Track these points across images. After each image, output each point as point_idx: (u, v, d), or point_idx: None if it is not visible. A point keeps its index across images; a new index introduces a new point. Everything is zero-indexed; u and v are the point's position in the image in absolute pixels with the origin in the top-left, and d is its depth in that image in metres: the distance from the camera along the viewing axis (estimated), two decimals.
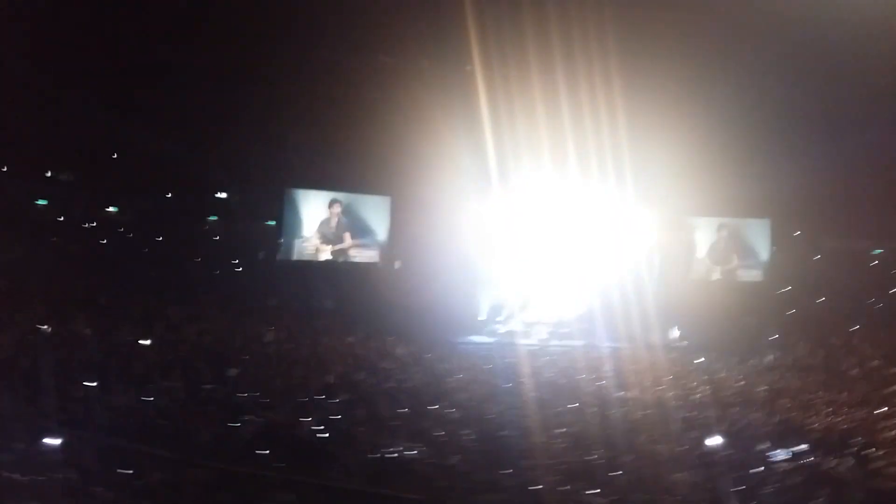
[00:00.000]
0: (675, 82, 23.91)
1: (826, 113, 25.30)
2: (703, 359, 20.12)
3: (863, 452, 11.36)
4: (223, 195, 30.19)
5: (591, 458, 10.55)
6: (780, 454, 11.36)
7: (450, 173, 23.00)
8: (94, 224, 28.43)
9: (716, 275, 27.04)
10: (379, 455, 9.66)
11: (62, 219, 28.00)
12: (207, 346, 15.54)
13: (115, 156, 27.86)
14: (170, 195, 29.06)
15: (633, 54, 22.81)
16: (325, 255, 25.40)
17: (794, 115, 25.55)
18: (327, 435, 10.31)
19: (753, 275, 27.32)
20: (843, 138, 25.77)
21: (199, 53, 23.88)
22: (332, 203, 25.45)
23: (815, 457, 11.32)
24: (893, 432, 13.20)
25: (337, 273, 25.29)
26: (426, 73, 24.44)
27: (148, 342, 14.74)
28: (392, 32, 23.48)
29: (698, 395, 15.27)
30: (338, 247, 25.48)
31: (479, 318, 23.81)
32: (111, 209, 29.34)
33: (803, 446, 11.81)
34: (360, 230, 25.67)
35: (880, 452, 11.56)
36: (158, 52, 23.73)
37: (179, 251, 26.40)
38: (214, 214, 30.30)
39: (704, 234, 27.20)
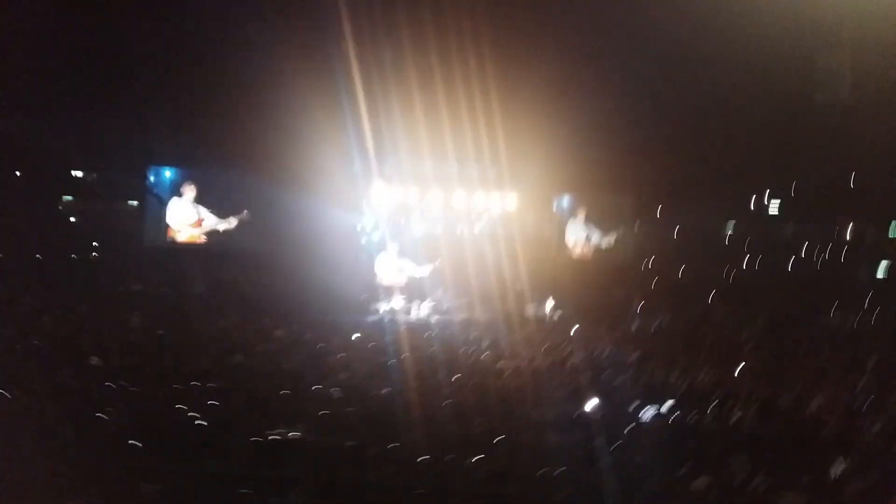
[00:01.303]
0: (540, 63, 24.61)
1: (685, 91, 26.81)
2: (575, 328, 20.94)
3: (722, 406, 12.26)
4: (79, 173, 28.17)
5: (475, 427, 10.77)
6: (649, 412, 12.06)
7: (318, 151, 22.63)
8: None
9: (585, 250, 28.18)
10: (260, 438, 9.37)
11: None
12: (66, 336, 14.46)
13: None
14: (18, 173, 26.70)
15: (500, 40, 23.34)
16: (188, 231, 24.24)
17: (655, 93, 27.01)
18: (204, 422, 9.86)
19: (620, 249, 28.68)
20: (702, 118, 27.52)
21: (53, 18, 22.09)
22: (195, 181, 24.36)
23: (680, 412, 12.11)
24: (746, 388, 14.34)
25: (208, 256, 24.29)
26: (289, 44, 23.75)
27: None
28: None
29: (571, 362, 15.90)
30: (205, 229, 24.42)
31: (359, 298, 23.60)
32: None
33: (669, 403, 12.61)
34: (226, 210, 24.63)
35: (737, 405, 12.52)
36: (10, 25, 21.72)
37: (31, 234, 24.36)
38: (70, 194, 28.23)
39: (572, 211, 28.27)
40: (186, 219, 24.32)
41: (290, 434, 9.65)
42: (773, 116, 27.33)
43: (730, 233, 34.62)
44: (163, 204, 24.33)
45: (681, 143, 28.21)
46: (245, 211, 24.23)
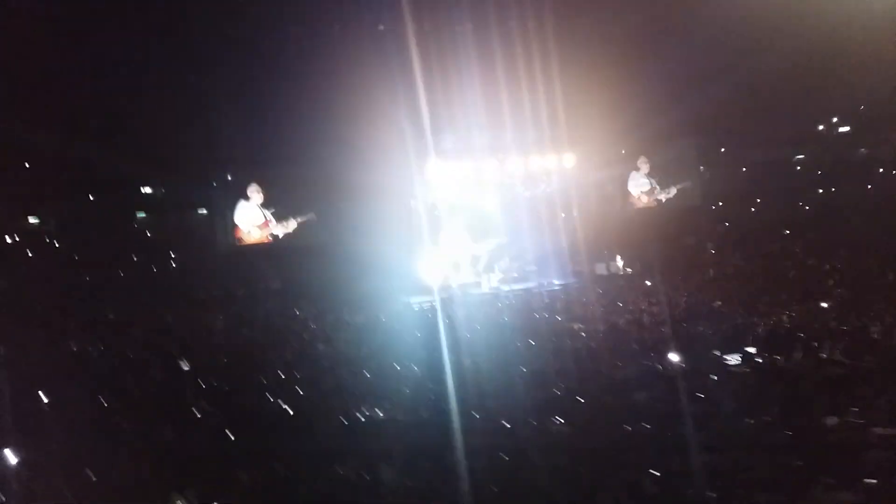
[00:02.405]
0: (588, 24, 24.10)
1: (727, 33, 25.82)
2: (648, 283, 20.67)
3: (809, 345, 11.91)
4: (148, 190, 29.21)
5: (554, 391, 10.81)
6: (733, 359, 11.85)
7: (373, 138, 22.71)
8: (16, 237, 27.16)
9: (650, 201, 27.67)
10: (346, 420, 9.67)
11: None
12: (156, 344, 15.15)
13: (26, 163, 26.49)
14: (91, 197, 27.88)
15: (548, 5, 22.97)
16: (257, 232, 24.84)
17: (700, 39, 26.07)
18: (291, 411, 10.23)
19: (685, 196, 28.03)
20: (746, 56, 26.46)
21: (102, 45, 22.82)
22: (252, 185, 24.83)
23: (765, 356, 11.84)
24: (834, 323, 13.89)
25: (278, 254, 24.85)
26: (337, 38, 23.92)
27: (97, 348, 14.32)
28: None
29: (648, 317, 15.73)
30: (275, 228, 24.97)
31: (429, 276, 23.84)
32: (32, 220, 28.04)
33: (752, 349, 12.34)
34: (294, 208, 25.10)
35: (826, 342, 12.14)
36: (56, 46, 22.51)
37: (111, 253, 25.49)
38: (142, 210, 29.33)
39: (634, 163, 27.73)
40: (253, 220, 24.87)
41: (375, 413, 9.91)
42: (834, 41, 26.00)
43: (798, 166, 33.40)
44: (232, 209, 24.92)
45: (739, 78, 27.22)
46: (311, 213, 24.77)
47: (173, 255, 27.05)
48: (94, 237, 26.39)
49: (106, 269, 24.10)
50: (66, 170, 25.18)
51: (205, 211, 27.67)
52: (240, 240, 24.78)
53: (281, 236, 25.02)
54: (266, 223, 24.89)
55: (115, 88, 23.88)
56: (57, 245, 27.10)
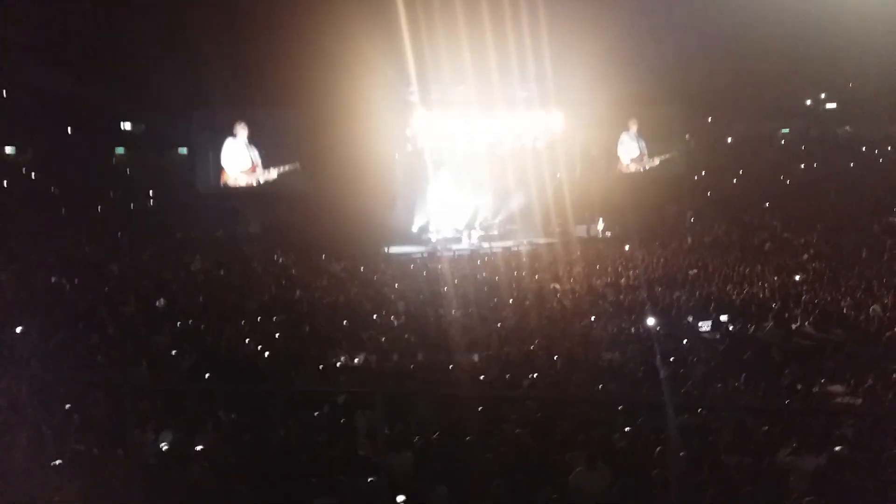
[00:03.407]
0: None
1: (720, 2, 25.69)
2: (627, 247, 20.82)
3: (781, 315, 12.13)
4: (128, 126, 28.67)
5: (529, 347, 10.96)
6: (706, 325, 12.06)
7: (364, 84, 22.35)
8: None
9: (634, 166, 27.65)
10: (323, 366, 9.72)
11: None
12: (132, 282, 15.05)
13: (4, 94, 25.85)
14: (71, 130, 27.30)
15: None
16: (243, 178, 24.34)
17: (696, 9, 25.90)
18: (268, 353, 10.26)
19: (669, 163, 28.04)
20: (739, 28, 26.37)
21: None
22: (243, 123, 23.91)
23: (737, 324, 12.07)
24: (806, 297, 14.13)
25: (260, 197, 24.49)
26: None
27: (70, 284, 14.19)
28: None
29: (624, 280, 15.91)
30: (257, 170, 24.52)
31: (411, 229, 23.82)
32: (8, 150, 27.47)
33: (725, 316, 12.56)
34: (277, 150, 24.44)
35: (796, 313, 12.39)
36: None
37: (89, 188, 25.07)
38: (121, 147, 28.81)
39: (620, 128, 27.60)
40: (241, 164, 24.13)
41: (354, 359, 9.98)
42: (825, 17, 25.93)
43: (783, 140, 33.60)
44: (214, 148, 24.20)
45: (730, 49, 27.18)
46: (296, 163, 24.11)
47: (151, 194, 26.70)
48: (71, 171, 25.89)
49: (82, 204, 23.73)
50: (47, 102, 24.60)
51: (185, 150, 27.16)
52: (224, 182, 24.18)
53: (262, 182, 24.47)
54: (253, 168, 24.25)
55: (102, 22, 23.22)
56: (33, 176, 26.63)
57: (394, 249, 21.65)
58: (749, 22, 26.27)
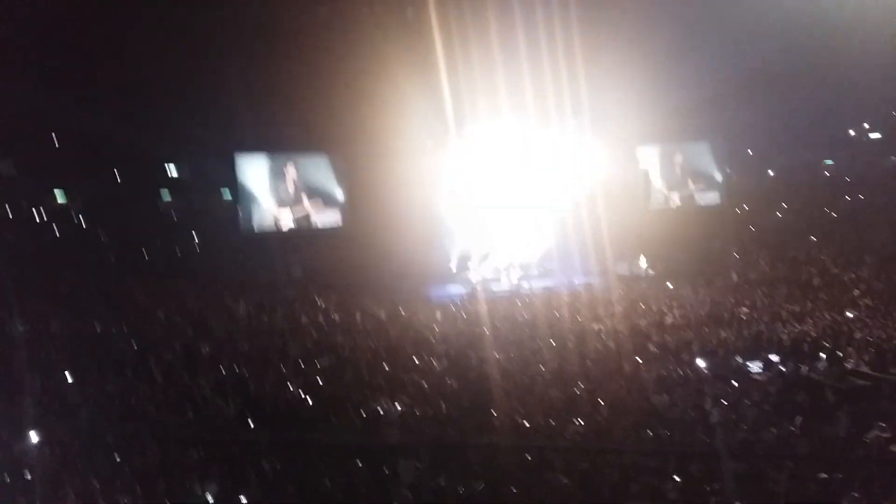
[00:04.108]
0: (623, 19, 23.84)
1: (763, 35, 25.49)
2: (671, 285, 20.50)
3: (834, 355, 11.76)
4: (174, 170, 29.35)
5: (573, 391, 10.76)
6: (756, 366, 11.73)
7: (402, 124, 22.64)
8: (43, 212, 27.40)
9: (675, 202, 27.40)
10: (365, 412, 9.67)
11: (6, 211, 26.89)
12: (179, 327, 15.27)
13: (56, 142, 26.74)
14: (119, 176, 28.02)
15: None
16: (287, 221, 24.86)
17: (734, 40, 25.75)
18: (310, 400, 10.26)
19: (711, 198, 27.73)
20: (778, 58, 26.11)
21: (130, 23, 22.90)
22: (286, 165, 24.67)
23: (789, 364, 11.71)
24: (859, 334, 13.69)
25: (302, 239, 24.85)
26: (366, 21, 23.81)
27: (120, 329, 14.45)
28: None
29: (670, 320, 15.61)
30: (298, 211, 24.99)
31: (450, 269, 23.81)
32: (59, 196, 28.30)
33: (776, 356, 12.21)
34: (317, 192, 25.10)
35: (850, 352, 11.99)
36: (88, 22, 22.61)
37: (136, 233, 25.66)
38: (168, 191, 29.48)
39: (659, 162, 27.45)
40: (287, 205, 24.71)
41: (393, 406, 9.91)
42: (869, 46, 25.55)
43: (827, 172, 32.96)
44: (257, 190, 24.85)
45: (771, 80, 26.90)
46: (319, 199, 24.78)
47: (195, 236, 27.12)
48: (118, 215, 26.55)
49: (130, 249, 24.28)
50: (94, 148, 25.37)
51: (228, 193, 27.70)
52: (273, 223, 24.65)
53: (309, 224, 24.97)
54: (301, 205, 24.80)
55: (149, 66, 23.93)
56: (82, 222, 27.33)
57: (436, 290, 21.62)
58: (788, 52, 26.02)
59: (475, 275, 23.57)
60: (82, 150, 25.59)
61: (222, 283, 21.34)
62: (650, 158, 27.53)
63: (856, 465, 7.15)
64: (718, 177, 28.00)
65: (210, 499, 6.53)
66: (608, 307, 17.16)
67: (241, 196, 25.21)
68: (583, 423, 9.27)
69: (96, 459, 6.89)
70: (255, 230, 24.69)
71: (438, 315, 17.15)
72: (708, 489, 6.71)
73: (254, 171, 24.84)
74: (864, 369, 11.37)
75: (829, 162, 34.01)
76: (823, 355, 11.93)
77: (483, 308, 17.64)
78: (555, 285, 21.99)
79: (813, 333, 13.74)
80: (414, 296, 19.78)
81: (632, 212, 26.04)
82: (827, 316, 15.39)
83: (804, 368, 11.44)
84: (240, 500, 6.59)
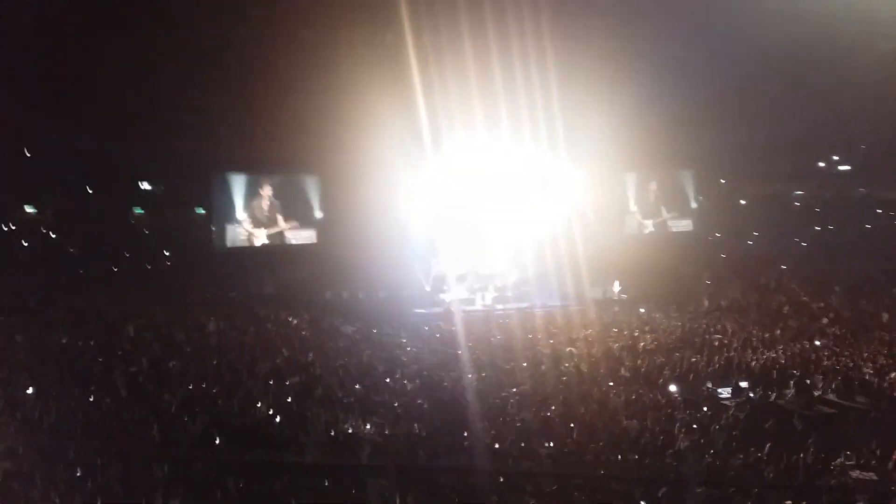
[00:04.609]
0: (599, 46, 24.15)
1: (735, 65, 26.00)
2: (643, 309, 20.65)
3: (802, 382, 11.92)
4: (147, 186, 29.11)
5: (546, 413, 10.76)
6: (725, 392, 11.83)
7: (379, 145, 22.66)
8: (13, 227, 26.99)
9: (648, 228, 27.69)
10: (334, 432, 9.57)
11: None
12: (147, 343, 15.04)
13: (27, 153, 26.37)
14: (91, 190, 27.71)
15: (559, 18, 22.95)
16: (261, 239, 24.73)
17: (707, 70, 26.23)
18: (279, 418, 10.13)
19: (684, 225, 28.06)
20: (753, 90, 26.66)
21: (107, 37, 22.73)
22: (262, 185, 24.65)
23: (757, 391, 11.84)
24: (827, 362, 13.89)
25: (275, 257, 24.70)
26: (345, 45, 23.88)
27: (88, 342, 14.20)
28: (307, 4, 22.92)
29: (642, 344, 15.70)
30: (273, 230, 24.88)
31: (425, 289, 23.77)
32: (29, 210, 27.91)
33: (745, 383, 12.33)
34: (293, 211, 25.05)
35: (818, 380, 12.15)
36: (63, 36, 22.40)
37: (107, 248, 25.33)
38: (140, 206, 29.20)
39: (634, 189, 27.76)
40: (262, 224, 24.65)
41: (365, 426, 9.82)
42: (836, 78, 26.18)
43: (797, 202, 33.60)
44: (232, 209, 24.68)
45: (742, 110, 27.40)
46: (294, 221, 24.80)
47: (167, 253, 26.86)
48: (89, 230, 26.22)
49: (98, 264, 23.95)
50: (67, 161, 25.08)
51: (202, 210, 27.53)
52: (247, 240, 24.54)
53: (283, 241, 24.92)
54: (276, 223, 24.77)
55: (123, 81, 23.76)
56: (53, 236, 26.96)
57: (410, 310, 21.56)
58: (760, 83, 26.56)
59: (449, 295, 23.54)
60: (54, 165, 25.29)
61: (192, 298, 21.12)
62: (625, 185, 27.84)
63: (821, 491, 7.21)
64: (692, 204, 28.39)
65: None
66: (581, 330, 17.24)
67: (215, 213, 25.08)
68: (554, 446, 9.27)
69: (57, 475, 6.73)
70: (229, 247, 24.49)
71: (411, 335, 17.09)
72: None
73: (229, 189, 24.73)
74: (831, 397, 11.53)
75: (800, 192, 34.67)
76: (792, 382, 12.09)
77: (457, 328, 17.62)
78: (529, 307, 22.06)
79: (782, 361, 13.90)
80: (387, 315, 19.70)
81: (606, 237, 26.24)
82: (796, 344, 15.58)
83: (773, 395, 11.58)
84: None
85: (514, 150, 24.48)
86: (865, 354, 14.30)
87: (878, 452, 8.84)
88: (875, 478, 8.10)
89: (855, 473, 8.36)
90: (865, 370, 13.15)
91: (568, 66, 23.29)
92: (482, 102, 23.10)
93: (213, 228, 24.89)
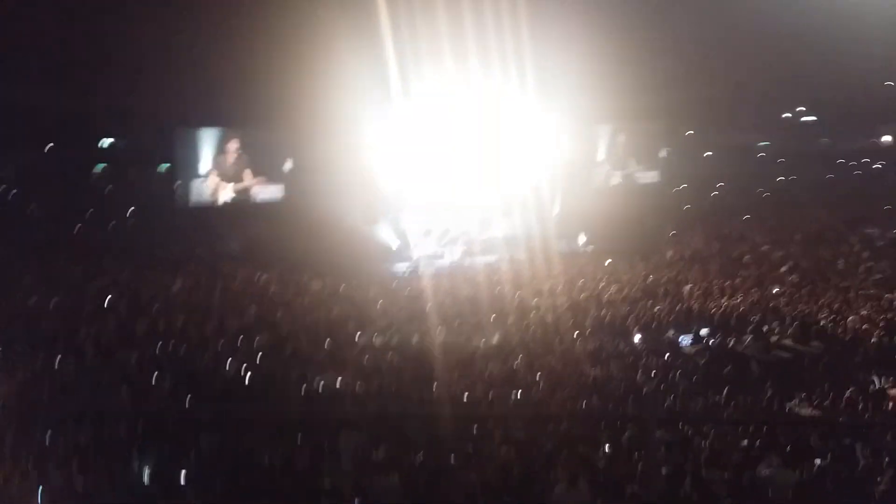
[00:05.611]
0: None
1: (703, 20, 25.98)
2: (608, 261, 20.94)
3: (760, 329, 12.30)
4: (109, 141, 28.42)
5: (513, 364, 10.99)
6: (686, 339, 12.18)
7: (346, 96, 22.26)
8: None
9: (616, 179, 27.87)
10: (305, 387, 9.68)
11: None
12: (112, 303, 14.90)
13: None
14: (51, 146, 26.95)
15: None
16: (227, 195, 24.37)
17: (677, 24, 26.20)
18: (249, 375, 10.20)
19: (650, 176, 28.29)
20: (720, 43, 26.72)
21: None
22: (230, 140, 24.10)
23: (717, 338, 12.20)
24: (784, 309, 14.31)
25: (240, 213, 24.38)
26: None
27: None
28: None
29: (607, 295, 15.99)
30: (239, 185, 24.53)
31: (393, 244, 23.80)
32: None
33: (706, 330, 12.70)
34: (261, 166, 24.57)
35: (775, 327, 12.54)
36: None
37: (68, 206, 24.80)
38: (102, 162, 28.55)
39: (603, 141, 27.84)
40: (229, 180, 24.20)
41: (335, 380, 9.94)
42: (805, 32, 26.33)
43: (761, 153, 34.02)
44: (198, 165, 24.10)
45: (709, 62, 27.50)
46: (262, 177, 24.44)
47: (132, 212, 26.39)
48: (50, 188, 25.61)
49: (59, 222, 23.48)
50: (25, 118, 24.31)
51: (166, 167, 26.99)
52: (212, 197, 24.14)
53: (252, 198, 24.60)
54: (242, 179, 24.36)
55: (83, 34, 22.99)
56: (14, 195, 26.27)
57: (379, 266, 21.59)
58: (727, 36, 26.60)
59: (418, 250, 23.59)
60: (12, 121, 24.50)
61: (158, 257, 20.88)
62: (594, 137, 27.86)
63: (775, 430, 7.53)
64: (659, 156, 28.59)
65: (146, 474, 6.48)
66: (547, 282, 17.46)
67: (180, 170, 24.62)
68: (521, 396, 9.50)
69: (28, 436, 6.75)
70: (194, 204, 24.12)
71: (380, 290, 17.18)
72: (636, 455, 6.98)
73: (195, 144, 24.18)
74: (788, 342, 11.93)
75: (765, 143, 35.09)
76: (749, 329, 12.47)
77: (425, 283, 17.74)
78: (496, 260, 22.22)
79: (741, 308, 14.29)
80: (356, 271, 19.72)
81: (574, 189, 26.38)
82: (755, 292, 15.99)
83: (731, 342, 11.95)
84: (177, 475, 6.56)
85: (484, 101, 24.32)
86: (821, 301, 14.74)
87: (830, 393, 9.24)
88: (826, 416, 8.47)
89: (807, 411, 8.74)
90: (820, 316, 13.57)
91: (540, 15, 23.07)
92: (451, 48, 22.74)
93: (178, 186, 24.47)
